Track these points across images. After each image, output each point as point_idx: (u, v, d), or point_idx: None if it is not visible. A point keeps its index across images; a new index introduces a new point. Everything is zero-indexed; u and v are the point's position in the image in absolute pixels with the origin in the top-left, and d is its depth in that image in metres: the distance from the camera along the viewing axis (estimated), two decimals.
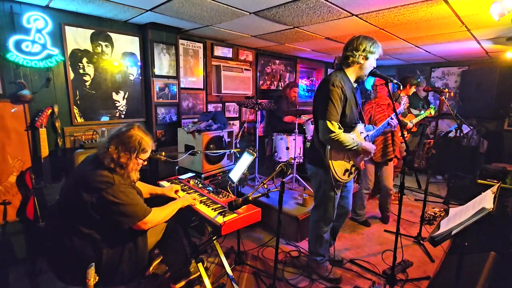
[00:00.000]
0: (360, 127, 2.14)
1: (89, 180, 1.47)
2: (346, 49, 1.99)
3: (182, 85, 3.56)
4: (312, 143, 2.22)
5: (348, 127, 2.05)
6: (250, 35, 3.51)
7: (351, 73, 2.03)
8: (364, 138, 2.18)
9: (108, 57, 2.92)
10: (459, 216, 1.48)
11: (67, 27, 2.61)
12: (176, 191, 2.11)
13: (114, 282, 1.60)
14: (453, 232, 1.38)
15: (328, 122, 1.88)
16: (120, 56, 3.00)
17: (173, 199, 2.00)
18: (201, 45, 3.72)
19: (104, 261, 1.51)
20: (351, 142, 1.93)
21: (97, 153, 1.57)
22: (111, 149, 1.52)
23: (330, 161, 1.98)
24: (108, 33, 2.88)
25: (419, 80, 3.63)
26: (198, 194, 2.10)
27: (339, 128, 1.92)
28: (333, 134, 1.87)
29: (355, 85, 2.08)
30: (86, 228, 1.47)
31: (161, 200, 1.98)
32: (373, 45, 1.95)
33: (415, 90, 3.55)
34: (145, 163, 1.70)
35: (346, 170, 2.08)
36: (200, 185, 2.30)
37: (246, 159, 2.18)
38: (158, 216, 1.65)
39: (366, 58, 1.96)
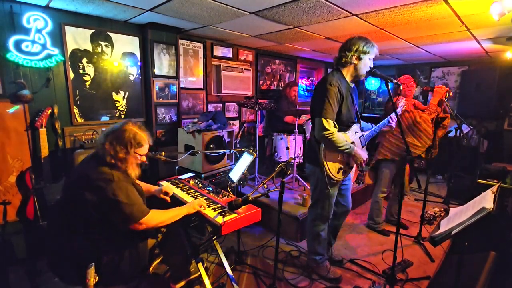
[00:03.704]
0: (355, 126, 2.15)
1: (90, 178, 1.46)
2: (341, 50, 2.03)
3: (182, 85, 3.56)
4: (309, 141, 2.23)
5: (344, 126, 2.07)
6: (250, 35, 3.51)
7: (347, 73, 2.06)
8: (360, 138, 2.19)
9: (108, 57, 2.92)
10: (459, 216, 1.49)
11: (67, 27, 2.61)
12: (166, 193, 2.03)
13: (115, 281, 1.60)
14: (453, 232, 1.38)
15: (323, 120, 1.90)
16: (120, 56, 3.00)
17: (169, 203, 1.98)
18: (201, 45, 3.72)
19: (105, 260, 1.51)
20: (344, 143, 1.95)
21: (95, 151, 1.57)
22: (107, 145, 1.51)
23: (324, 159, 2.00)
24: (108, 33, 2.88)
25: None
26: (198, 194, 2.10)
27: (334, 126, 1.93)
28: (327, 132, 1.89)
29: (352, 85, 2.10)
30: (87, 227, 1.47)
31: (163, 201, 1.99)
32: (366, 45, 1.96)
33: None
34: (144, 159, 1.68)
35: (340, 169, 2.10)
36: (200, 185, 2.29)
37: (246, 159, 2.18)
38: (157, 219, 1.62)
39: (359, 58, 1.98)
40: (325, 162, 2.00)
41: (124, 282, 1.65)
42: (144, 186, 2.03)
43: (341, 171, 2.11)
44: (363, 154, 2.07)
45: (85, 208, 1.44)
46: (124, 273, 1.58)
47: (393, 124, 2.24)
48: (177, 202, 2.08)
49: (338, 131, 1.97)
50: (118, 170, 1.53)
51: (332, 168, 2.04)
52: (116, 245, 1.55)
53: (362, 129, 2.25)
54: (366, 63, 2.00)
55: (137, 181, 1.88)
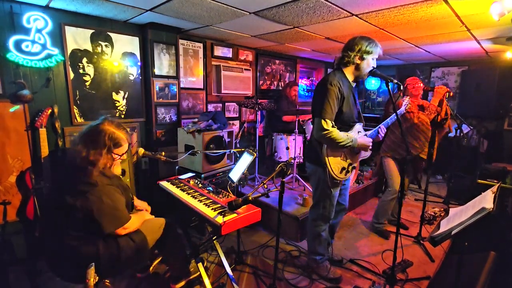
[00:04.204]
0: (358, 126, 2.15)
1: (73, 183, 1.46)
2: (343, 49, 2.02)
3: (182, 85, 3.56)
4: (310, 141, 2.23)
5: (347, 126, 2.07)
6: (250, 35, 3.51)
7: (349, 73, 2.05)
8: None
9: (108, 57, 2.92)
10: (459, 216, 1.49)
11: (67, 27, 2.61)
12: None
13: (121, 271, 1.62)
14: (453, 232, 1.38)
15: (322, 120, 1.90)
16: (120, 56, 3.00)
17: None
18: (201, 45, 3.72)
19: (103, 254, 1.51)
20: (344, 138, 1.93)
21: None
22: (80, 147, 1.49)
23: (326, 159, 1.99)
24: (108, 33, 2.88)
25: None
26: (198, 194, 2.10)
27: (333, 126, 1.93)
28: (325, 132, 1.89)
29: (353, 84, 2.09)
30: (77, 229, 1.47)
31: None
32: (369, 45, 1.95)
33: None
34: (124, 157, 1.66)
35: (343, 169, 2.09)
36: (200, 185, 2.29)
37: (246, 159, 2.18)
38: (134, 224, 1.65)
39: (362, 58, 1.97)
40: (328, 162, 2.00)
41: (132, 267, 1.65)
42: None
43: (344, 171, 2.10)
44: (367, 140, 2.06)
45: (72, 212, 1.44)
46: (128, 259, 1.59)
47: (381, 136, 2.22)
48: (177, 202, 2.08)
49: (341, 131, 1.97)
50: (99, 174, 1.50)
51: (335, 168, 2.04)
52: (110, 238, 1.55)
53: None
54: (369, 63, 1.99)
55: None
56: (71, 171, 1.51)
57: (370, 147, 2.11)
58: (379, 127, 2.21)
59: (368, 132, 2.24)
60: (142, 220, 1.78)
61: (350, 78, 2.06)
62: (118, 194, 1.57)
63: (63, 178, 1.55)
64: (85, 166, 1.47)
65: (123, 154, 1.63)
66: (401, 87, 2.61)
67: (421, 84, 2.90)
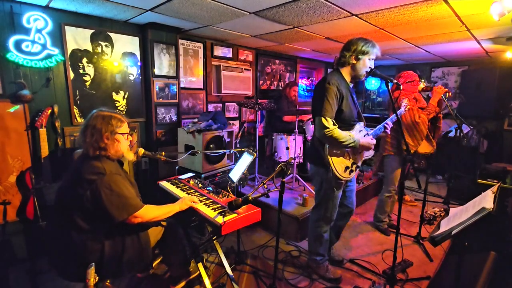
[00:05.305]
0: (359, 125, 2.14)
1: (81, 173, 1.48)
2: (341, 50, 2.05)
3: (182, 85, 3.56)
4: (312, 142, 2.23)
5: (347, 125, 2.07)
6: (250, 35, 3.51)
7: (346, 73, 2.07)
8: (364, 136, 2.18)
9: (108, 57, 2.92)
10: (459, 216, 1.49)
11: (67, 27, 2.61)
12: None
13: (122, 272, 1.61)
14: (453, 232, 1.38)
15: (322, 119, 1.90)
16: (120, 56, 3.00)
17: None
18: (201, 45, 3.72)
19: (107, 253, 1.51)
20: (347, 138, 1.93)
21: (83, 151, 1.59)
22: (88, 139, 1.53)
23: (329, 158, 1.99)
24: (108, 33, 2.88)
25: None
26: (198, 194, 2.10)
27: (333, 124, 1.93)
28: (327, 130, 1.89)
29: (351, 85, 2.11)
30: (85, 222, 1.47)
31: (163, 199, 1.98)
32: (365, 46, 1.96)
33: None
34: (131, 137, 1.70)
35: (347, 168, 2.08)
36: (200, 185, 2.29)
37: (246, 159, 2.18)
38: (151, 213, 1.62)
39: (357, 58, 1.99)
40: (331, 162, 1.99)
41: (133, 271, 1.66)
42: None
43: (348, 170, 2.09)
44: (370, 141, 2.07)
45: (80, 203, 1.44)
46: (130, 262, 1.59)
47: (388, 131, 2.23)
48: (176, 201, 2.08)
49: (342, 130, 1.97)
50: (109, 163, 1.54)
51: (339, 167, 2.02)
52: (116, 236, 1.55)
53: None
54: (366, 64, 2.00)
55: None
56: (80, 164, 1.53)
57: (372, 149, 2.12)
58: (386, 123, 2.22)
59: (371, 131, 2.24)
60: (166, 211, 1.72)
61: (347, 78, 2.07)
62: (126, 182, 1.58)
63: (72, 173, 1.56)
64: (99, 154, 1.52)
65: (127, 133, 1.66)
66: (401, 87, 2.60)
67: (418, 79, 2.86)
